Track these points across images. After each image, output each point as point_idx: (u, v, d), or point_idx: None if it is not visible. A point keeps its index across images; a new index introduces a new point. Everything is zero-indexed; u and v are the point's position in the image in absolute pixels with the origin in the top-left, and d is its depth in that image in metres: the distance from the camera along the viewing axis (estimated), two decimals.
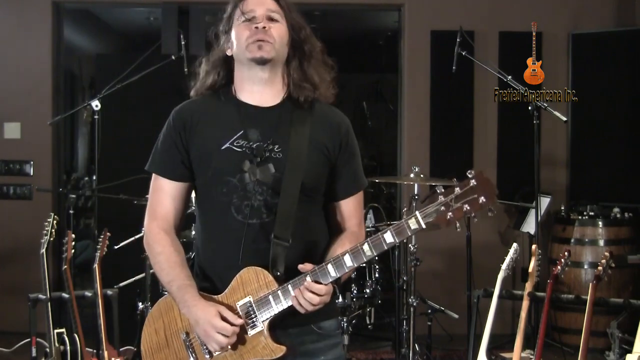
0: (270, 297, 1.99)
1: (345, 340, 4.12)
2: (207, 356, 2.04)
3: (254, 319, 2.00)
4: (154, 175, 2.17)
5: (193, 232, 3.89)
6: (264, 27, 2.05)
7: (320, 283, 1.96)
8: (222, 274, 2.06)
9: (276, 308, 1.98)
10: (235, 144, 2.06)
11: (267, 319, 2.00)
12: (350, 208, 2.18)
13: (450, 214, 1.88)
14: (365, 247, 1.95)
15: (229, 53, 2.13)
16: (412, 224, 1.91)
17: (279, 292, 1.98)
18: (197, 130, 2.11)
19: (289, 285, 1.98)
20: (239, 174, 2.04)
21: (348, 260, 1.96)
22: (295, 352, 2.05)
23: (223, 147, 2.06)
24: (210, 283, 2.09)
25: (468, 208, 1.88)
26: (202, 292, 2.06)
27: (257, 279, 2.00)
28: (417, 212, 1.91)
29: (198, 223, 2.18)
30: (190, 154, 2.11)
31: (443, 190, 1.90)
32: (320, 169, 2.10)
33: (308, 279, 1.95)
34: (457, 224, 1.89)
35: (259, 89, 2.11)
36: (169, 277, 2.07)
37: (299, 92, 2.11)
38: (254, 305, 2.00)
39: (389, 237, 1.94)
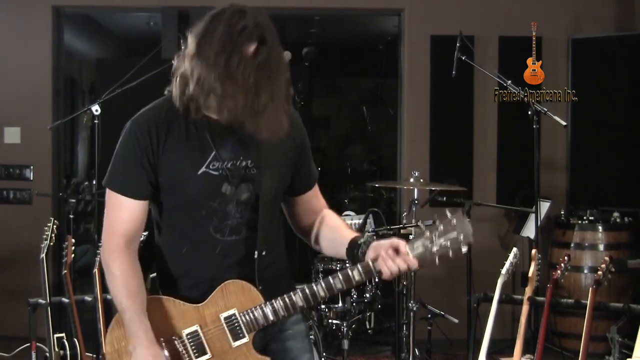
0: (258, 311, 2.02)
1: (345, 345, 4.12)
2: None
3: (239, 331, 2.03)
4: (112, 191, 2.05)
5: None
6: None
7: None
8: (197, 286, 2.06)
9: (263, 321, 2.03)
10: (211, 167, 2.02)
11: (252, 331, 2.04)
12: (314, 194, 2.25)
13: (435, 247, 1.99)
14: (355, 272, 2.02)
15: None
16: None
17: (266, 306, 2.03)
18: (165, 151, 2.01)
19: (276, 302, 2.03)
20: (219, 198, 2.03)
21: (337, 283, 2.03)
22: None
23: (200, 172, 2.02)
24: (184, 293, 2.07)
25: (448, 245, 1.98)
26: (180, 299, 2.05)
27: (243, 292, 2.03)
28: (406, 245, 2.02)
29: (166, 236, 2.12)
30: (160, 176, 2.02)
31: (424, 227, 2.02)
32: (287, 172, 2.14)
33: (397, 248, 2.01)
34: (437, 260, 2.00)
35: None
36: (122, 305, 2.06)
37: None
38: (239, 317, 2.03)
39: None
